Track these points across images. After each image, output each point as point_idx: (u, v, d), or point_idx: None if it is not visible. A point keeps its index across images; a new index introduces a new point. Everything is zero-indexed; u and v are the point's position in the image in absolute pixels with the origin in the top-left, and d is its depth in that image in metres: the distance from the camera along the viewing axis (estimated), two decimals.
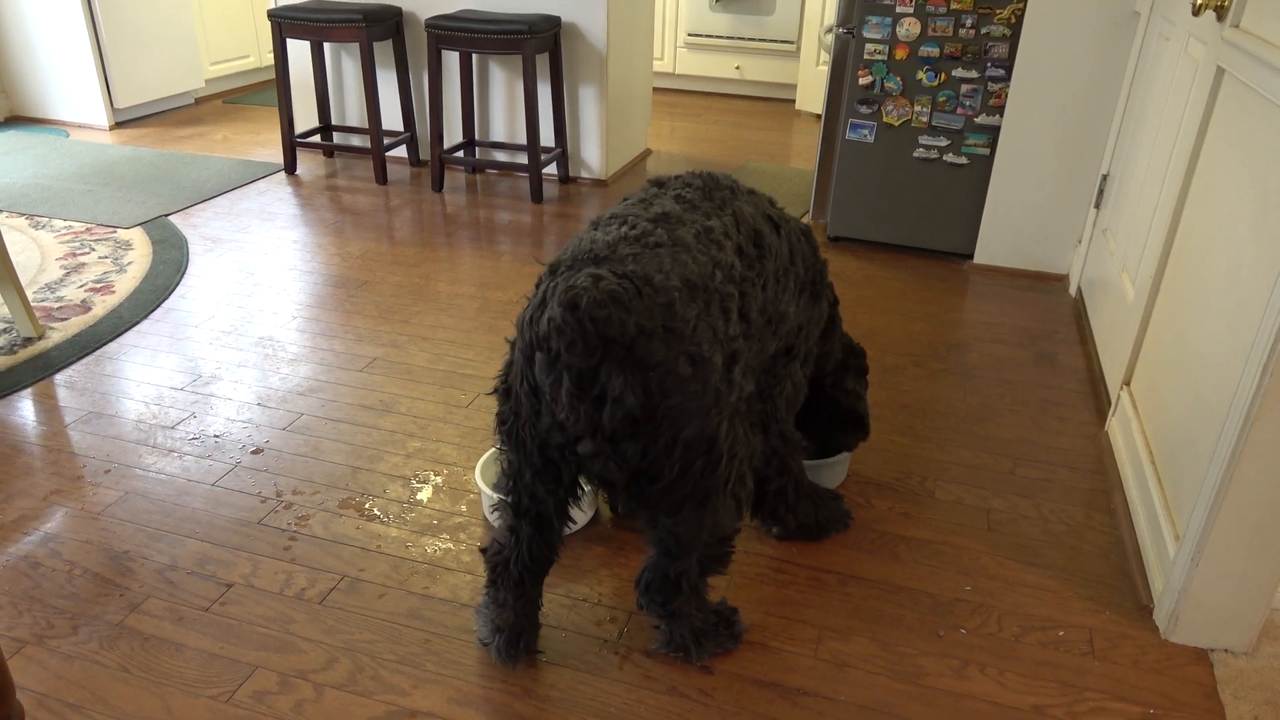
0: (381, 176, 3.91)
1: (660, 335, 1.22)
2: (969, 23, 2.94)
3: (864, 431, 1.98)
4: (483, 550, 1.51)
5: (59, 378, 2.35)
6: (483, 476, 1.88)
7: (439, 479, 1.99)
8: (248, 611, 1.61)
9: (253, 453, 2.06)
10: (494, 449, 1.95)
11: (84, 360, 2.44)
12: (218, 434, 2.13)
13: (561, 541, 1.48)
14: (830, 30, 3.24)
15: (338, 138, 4.28)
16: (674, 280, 1.26)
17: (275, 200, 3.68)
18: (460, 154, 4.02)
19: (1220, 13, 1.84)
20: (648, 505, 1.37)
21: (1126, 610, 1.67)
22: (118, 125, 4.67)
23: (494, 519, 1.60)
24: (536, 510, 1.41)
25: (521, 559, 1.44)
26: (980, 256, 3.20)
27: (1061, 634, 1.61)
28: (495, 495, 1.79)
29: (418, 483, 1.98)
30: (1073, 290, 3.00)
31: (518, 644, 1.50)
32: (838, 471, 2.00)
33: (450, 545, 1.79)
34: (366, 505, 1.90)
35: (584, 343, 1.18)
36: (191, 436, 2.11)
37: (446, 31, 3.55)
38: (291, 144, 3.95)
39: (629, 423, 1.25)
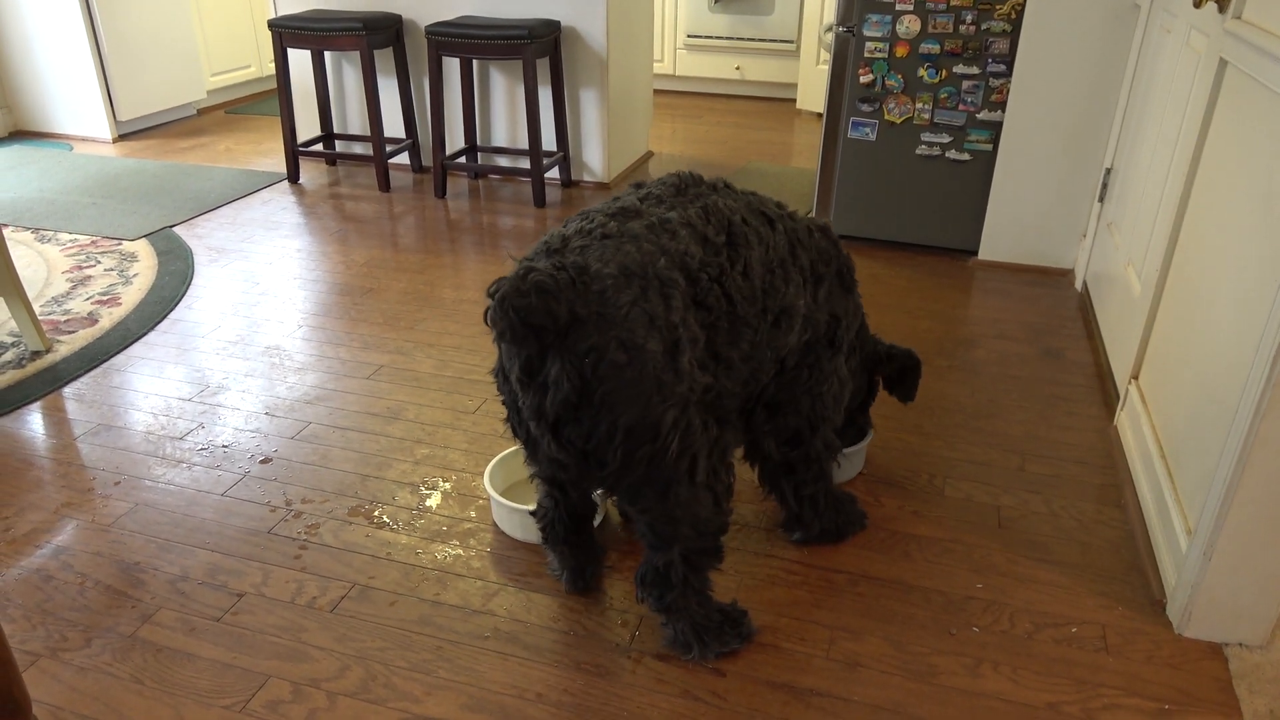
0: (384, 184, 3.91)
1: (594, 321, 1.26)
2: (969, 19, 2.93)
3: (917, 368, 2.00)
4: (532, 513, 1.69)
5: (67, 391, 2.35)
6: (491, 482, 1.89)
7: (448, 485, 1.99)
8: (259, 621, 1.62)
9: (261, 462, 2.06)
10: (502, 454, 1.96)
11: (92, 373, 2.44)
12: (226, 444, 2.13)
13: (595, 500, 1.68)
14: (830, 29, 3.24)
15: (340, 146, 4.29)
16: (610, 268, 1.30)
17: (279, 209, 3.69)
18: (462, 160, 4.03)
19: (1222, 4, 1.84)
20: (608, 491, 1.43)
21: (1139, 605, 1.66)
22: (121, 138, 4.68)
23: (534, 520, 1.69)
24: (555, 480, 1.56)
25: (562, 519, 1.63)
26: (985, 253, 3.19)
27: (1075, 630, 1.60)
28: (504, 501, 1.80)
29: (426, 489, 1.98)
30: (1078, 285, 3.00)
31: (583, 575, 1.68)
32: (858, 460, 2.02)
33: (460, 551, 1.79)
34: (376, 513, 1.90)
35: (511, 331, 1.24)
36: (200, 447, 2.12)
37: (446, 38, 3.56)
38: (294, 153, 3.96)
39: (568, 408, 1.29)
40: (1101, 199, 2.85)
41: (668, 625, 1.53)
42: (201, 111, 5.24)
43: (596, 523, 1.85)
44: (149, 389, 2.36)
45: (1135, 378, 2.14)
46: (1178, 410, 1.80)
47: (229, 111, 5.25)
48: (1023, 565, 1.76)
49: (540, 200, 3.76)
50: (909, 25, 2.99)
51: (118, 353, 2.54)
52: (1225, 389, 1.56)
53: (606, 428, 1.29)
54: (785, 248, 1.57)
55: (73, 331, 2.65)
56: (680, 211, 1.45)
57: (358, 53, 3.93)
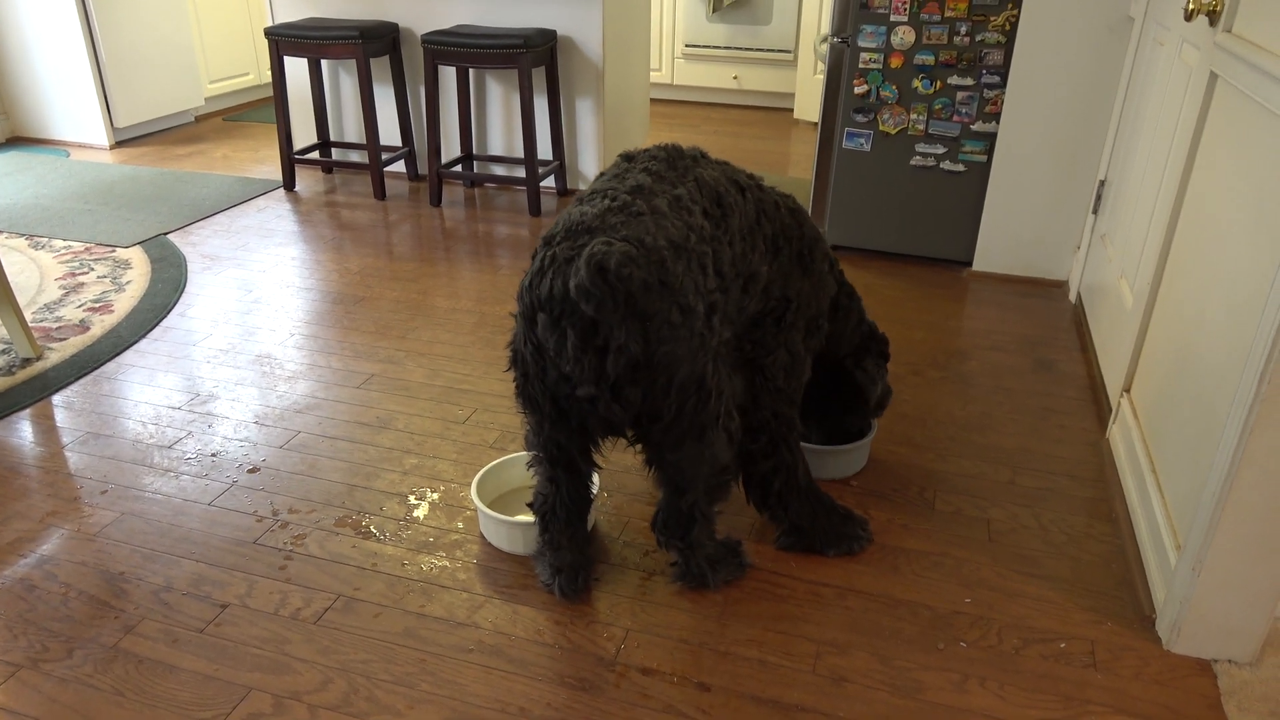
0: (380, 192, 3.91)
1: (657, 288, 1.37)
2: (964, 30, 2.93)
3: (864, 411, 2.03)
4: (530, 505, 1.70)
5: (57, 398, 2.35)
6: (479, 493, 1.88)
7: (436, 496, 1.98)
8: (242, 632, 1.61)
9: (249, 471, 2.06)
10: (491, 465, 1.95)
11: (82, 380, 2.44)
12: (215, 453, 2.12)
13: (593, 482, 1.70)
14: (825, 40, 3.24)
15: (336, 154, 4.29)
16: (661, 241, 1.41)
17: (274, 217, 3.68)
18: (458, 168, 4.03)
19: (1213, 18, 1.84)
20: (652, 444, 1.52)
21: (1129, 621, 1.65)
22: (118, 144, 4.69)
23: (532, 475, 1.70)
24: (565, 457, 1.59)
25: (564, 502, 1.65)
26: (979, 264, 3.19)
27: (1063, 646, 1.59)
28: (491, 513, 1.79)
29: (414, 500, 1.97)
30: (1072, 296, 2.99)
31: (577, 579, 1.68)
32: (854, 459, 2.04)
33: (446, 563, 1.78)
34: (363, 523, 1.89)
35: (612, 300, 1.32)
36: (188, 456, 2.11)
37: (443, 47, 3.56)
38: (290, 161, 3.96)
39: (631, 369, 1.39)
40: (1095, 210, 2.85)
41: (678, 564, 1.68)
42: (199, 119, 5.24)
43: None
44: (139, 397, 2.36)
45: (1127, 391, 2.13)
46: (1169, 424, 1.79)
47: (226, 119, 5.25)
48: (1012, 580, 1.75)
49: (535, 209, 3.76)
50: (904, 36, 3.00)
51: (109, 360, 2.54)
52: (1215, 403, 1.55)
53: (663, 384, 1.42)
54: (753, 215, 1.66)
55: (64, 339, 2.64)
56: (684, 188, 1.55)
57: (354, 61, 3.93)
